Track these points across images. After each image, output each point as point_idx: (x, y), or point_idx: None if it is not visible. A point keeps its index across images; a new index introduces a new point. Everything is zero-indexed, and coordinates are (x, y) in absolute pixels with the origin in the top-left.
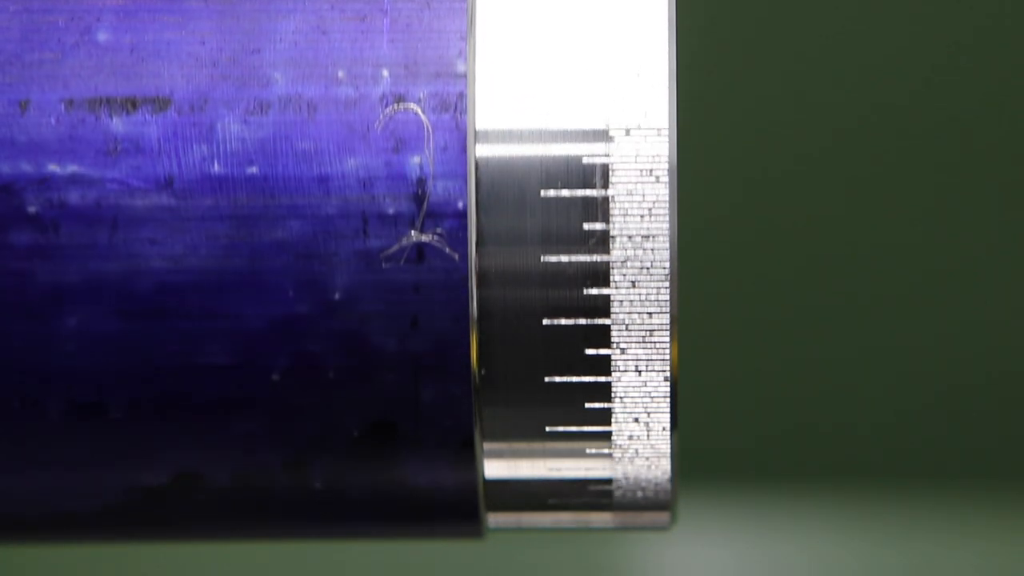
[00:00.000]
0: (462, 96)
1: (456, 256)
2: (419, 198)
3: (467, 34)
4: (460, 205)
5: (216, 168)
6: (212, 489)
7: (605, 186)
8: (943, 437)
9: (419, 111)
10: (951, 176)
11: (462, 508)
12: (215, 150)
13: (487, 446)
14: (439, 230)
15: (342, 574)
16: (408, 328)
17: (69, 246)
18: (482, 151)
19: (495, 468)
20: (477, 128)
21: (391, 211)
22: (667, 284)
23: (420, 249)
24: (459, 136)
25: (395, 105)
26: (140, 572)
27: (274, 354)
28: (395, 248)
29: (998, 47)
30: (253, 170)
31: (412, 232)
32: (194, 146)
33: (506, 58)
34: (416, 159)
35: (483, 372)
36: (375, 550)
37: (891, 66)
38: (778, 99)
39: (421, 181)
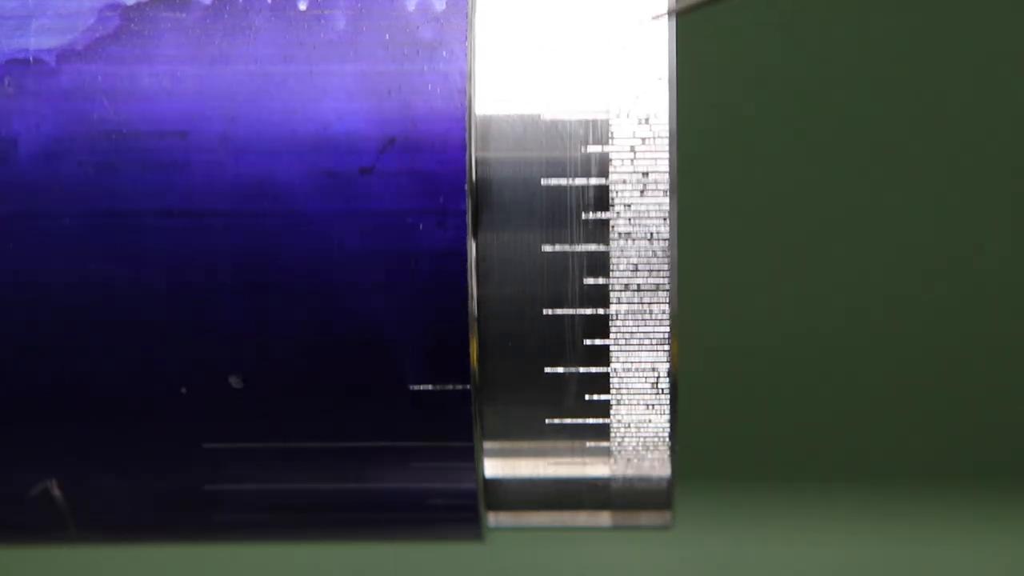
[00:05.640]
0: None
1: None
2: None
3: (467, 33)
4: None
5: None
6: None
7: (605, 178)
8: (943, 437)
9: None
10: (951, 177)
11: (462, 508)
12: None
13: (487, 445)
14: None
15: (342, 574)
16: (408, 327)
17: None
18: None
19: (495, 468)
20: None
21: None
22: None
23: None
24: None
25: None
26: (141, 572)
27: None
28: None
29: (999, 47)
30: None
31: None
32: None
33: (506, 56)
34: None
35: (483, 369)
36: (375, 550)
37: (892, 67)
38: (781, 97)
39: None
